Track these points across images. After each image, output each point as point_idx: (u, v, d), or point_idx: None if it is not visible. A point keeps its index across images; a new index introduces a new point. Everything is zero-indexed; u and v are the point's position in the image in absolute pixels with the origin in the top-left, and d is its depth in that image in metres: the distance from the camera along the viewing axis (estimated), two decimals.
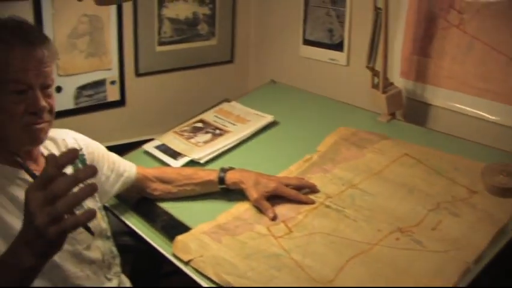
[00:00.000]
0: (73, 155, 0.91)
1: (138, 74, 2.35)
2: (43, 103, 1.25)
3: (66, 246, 1.29)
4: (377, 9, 1.79)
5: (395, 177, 1.62)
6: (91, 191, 0.89)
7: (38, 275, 1.07)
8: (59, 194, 0.88)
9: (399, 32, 1.97)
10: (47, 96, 1.28)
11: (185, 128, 2.04)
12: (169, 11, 2.36)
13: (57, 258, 1.26)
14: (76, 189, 0.90)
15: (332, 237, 1.42)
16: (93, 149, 1.56)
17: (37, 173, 1.30)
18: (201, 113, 2.15)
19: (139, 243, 1.62)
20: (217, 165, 1.79)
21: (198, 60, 2.51)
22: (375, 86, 1.92)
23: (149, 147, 1.97)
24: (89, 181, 0.89)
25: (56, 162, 0.89)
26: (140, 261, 1.82)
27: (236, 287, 1.28)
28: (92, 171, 0.90)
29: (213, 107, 2.18)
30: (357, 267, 1.31)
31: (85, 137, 1.57)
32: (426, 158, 1.67)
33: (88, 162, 1.51)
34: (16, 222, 1.21)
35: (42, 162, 1.37)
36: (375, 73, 1.89)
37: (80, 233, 1.36)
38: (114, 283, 1.45)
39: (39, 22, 2.02)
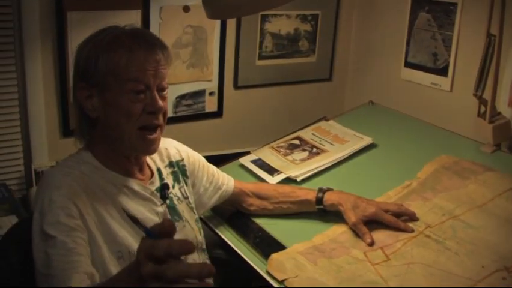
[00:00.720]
0: (187, 249, 0.85)
1: (237, 87, 2.39)
2: (161, 103, 1.28)
3: None
4: (489, 36, 1.73)
5: (500, 212, 1.56)
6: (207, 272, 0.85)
7: None
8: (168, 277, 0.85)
9: (509, 60, 1.90)
10: (162, 98, 1.31)
11: (282, 144, 2.05)
12: (272, 26, 2.40)
13: None
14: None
15: (432, 269, 1.38)
16: (194, 159, 1.58)
17: (141, 186, 1.34)
18: (298, 130, 2.15)
19: (231, 257, 1.62)
20: (312, 185, 1.79)
21: (296, 76, 2.54)
22: (481, 115, 1.85)
23: (245, 160, 1.99)
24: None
25: (169, 249, 0.85)
26: (230, 275, 1.82)
27: None
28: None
29: (310, 124, 2.18)
30: None
31: (187, 147, 1.60)
32: None
33: (188, 173, 1.54)
34: (118, 229, 1.26)
35: (147, 171, 1.41)
36: (482, 101, 1.83)
37: None
38: None
39: None
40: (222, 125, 2.40)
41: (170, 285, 0.85)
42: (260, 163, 1.95)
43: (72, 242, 1.15)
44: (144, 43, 1.27)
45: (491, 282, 1.32)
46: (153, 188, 1.39)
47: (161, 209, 1.37)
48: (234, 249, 1.59)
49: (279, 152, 2.00)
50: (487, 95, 1.81)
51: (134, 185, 1.33)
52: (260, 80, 2.45)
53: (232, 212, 1.71)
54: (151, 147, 1.33)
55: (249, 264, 1.51)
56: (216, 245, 1.70)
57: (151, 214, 1.34)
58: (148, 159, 1.43)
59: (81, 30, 2.02)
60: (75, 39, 2.03)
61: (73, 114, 2.09)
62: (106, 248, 1.22)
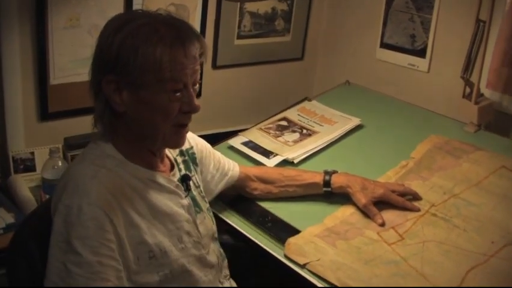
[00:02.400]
0: None
1: (215, 67, 2.36)
2: (197, 103, 1.24)
3: (193, 251, 1.31)
4: (478, 22, 1.81)
5: (496, 189, 1.65)
6: None
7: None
8: None
9: (490, 45, 2.00)
10: (194, 92, 1.25)
11: (270, 126, 2.06)
12: (251, 5, 2.37)
13: (186, 263, 1.27)
14: None
15: (446, 246, 1.45)
16: (202, 146, 1.55)
17: (166, 179, 1.29)
18: (282, 111, 2.16)
19: (238, 243, 1.62)
20: (308, 166, 1.82)
21: (272, 55, 2.54)
22: (466, 96, 1.95)
23: (235, 142, 1.97)
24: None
25: None
26: (238, 261, 1.82)
27: None
28: None
29: (294, 104, 2.19)
30: (479, 278, 1.34)
31: (193, 134, 1.54)
32: None
33: (197, 160, 1.50)
34: (147, 226, 1.21)
35: (167, 162, 1.37)
36: (468, 84, 1.92)
37: (204, 237, 1.38)
38: (226, 286, 1.45)
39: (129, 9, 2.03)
40: (201, 104, 2.37)
41: None
42: (252, 145, 1.94)
43: (98, 264, 1.09)
44: (184, 37, 1.19)
45: (503, 255, 1.41)
46: (175, 179, 1.34)
47: (186, 201, 1.33)
48: (243, 234, 1.58)
49: (269, 133, 2.01)
50: (474, 78, 1.89)
51: (160, 178, 1.28)
52: (238, 60, 2.43)
53: (234, 196, 1.69)
54: (182, 141, 1.29)
55: (262, 249, 1.51)
56: (220, 230, 1.69)
57: (178, 208, 1.30)
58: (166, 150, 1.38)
59: (62, 8, 1.91)
60: (56, 19, 1.92)
61: (54, 97, 2.04)
62: (132, 252, 1.17)
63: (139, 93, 1.18)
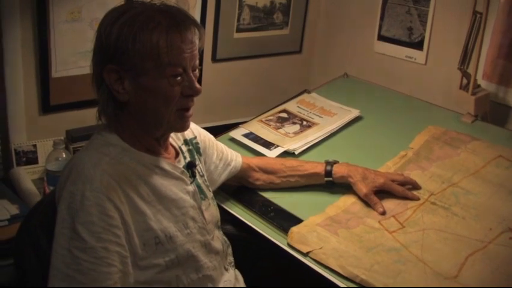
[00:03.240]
0: None
1: (215, 60, 2.38)
2: (198, 85, 1.26)
3: (198, 237, 1.33)
4: (475, 13, 1.84)
5: (493, 178, 1.69)
6: None
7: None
8: None
9: (486, 37, 2.02)
10: (195, 77, 1.28)
11: (271, 118, 2.08)
12: None
13: (192, 248, 1.30)
14: None
15: (445, 234, 1.48)
16: (205, 136, 1.57)
17: (171, 165, 1.32)
18: (282, 103, 2.18)
19: (240, 232, 1.63)
20: (309, 157, 1.85)
21: (271, 48, 2.56)
22: (463, 88, 1.98)
23: (236, 134, 2.00)
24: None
25: None
26: (240, 250, 1.84)
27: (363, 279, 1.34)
28: None
29: (294, 97, 2.22)
30: (477, 264, 1.37)
31: (196, 124, 1.57)
32: None
33: (201, 150, 1.52)
34: (152, 212, 1.23)
35: (172, 150, 1.39)
36: (465, 75, 1.95)
37: (209, 223, 1.40)
38: (231, 273, 1.47)
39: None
40: (201, 98, 2.38)
41: None
42: (253, 137, 1.97)
43: (103, 249, 1.11)
44: (180, 23, 1.22)
45: (500, 242, 1.44)
46: (181, 166, 1.37)
47: (191, 187, 1.36)
48: (246, 224, 1.60)
49: (269, 125, 2.03)
50: (471, 69, 1.92)
51: (165, 164, 1.31)
52: (237, 53, 2.45)
53: (237, 187, 1.71)
54: (187, 124, 1.32)
55: (265, 238, 1.54)
56: (223, 220, 1.71)
57: (183, 194, 1.32)
58: (170, 138, 1.40)
59: (63, 2, 1.93)
60: (57, 12, 1.93)
61: (56, 90, 2.05)
62: (138, 238, 1.19)
63: (140, 81, 1.21)
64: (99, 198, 1.13)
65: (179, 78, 1.23)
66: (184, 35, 1.22)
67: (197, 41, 1.27)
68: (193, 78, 1.26)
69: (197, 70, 1.29)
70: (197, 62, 1.28)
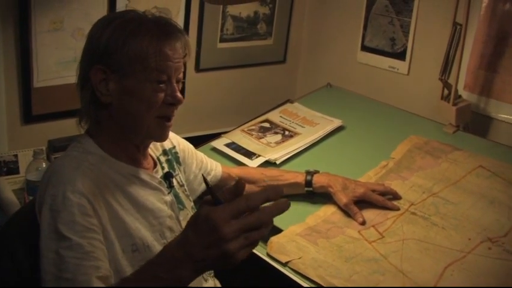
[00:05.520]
0: (280, 192, 0.98)
1: (198, 70, 2.38)
2: (180, 95, 1.28)
3: None
4: (455, 25, 1.85)
5: (473, 188, 1.69)
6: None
7: None
8: (254, 227, 0.94)
9: (466, 47, 2.04)
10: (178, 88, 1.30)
11: (253, 127, 2.08)
12: (233, 9, 2.40)
13: None
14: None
15: (425, 244, 1.48)
16: (184, 146, 1.58)
17: (149, 175, 1.33)
18: (265, 113, 2.19)
19: None
20: (290, 167, 1.85)
21: (254, 59, 2.57)
22: (444, 98, 1.99)
23: (218, 144, 2.00)
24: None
25: (248, 203, 0.95)
26: None
27: None
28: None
29: (276, 107, 2.22)
30: (456, 274, 1.37)
31: (175, 134, 1.58)
32: (502, 170, 1.75)
33: (180, 160, 1.53)
34: (131, 220, 1.24)
35: (150, 160, 1.39)
36: (447, 86, 1.96)
37: None
38: (210, 283, 1.47)
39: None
40: (184, 107, 2.39)
41: (254, 237, 0.95)
42: (235, 147, 1.97)
43: (89, 244, 1.11)
44: (171, 32, 1.26)
45: (479, 252, 1.44)
46: (158, 177, 1.37)
47: (168, 198, 1.36)
48: None
49: (251, 135, 2.03)
50: (452, 80, 1.94)
51: (143, 174, 1.31)
52: (221, 63, 2.46)
53: None
54: (166, 134, 1.32)
55: None
56: None
57: (160, 204, 1.33)
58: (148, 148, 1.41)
59: (46, 11, 1.92)
60: (39, 22, 1.93)
61: (38, 100, 2.04)
62: (118, 243, 1.20)
63: (125, 83, 1.24)
64: (80, 199, 1.14)
65: (162, 85, 1.25)
66: (173, 44, 1.26)
67: (184, 54, 1.30)
68: (176, 88, 1.28)
69: (180, 83, 1.31)
70: (181, 75, 1.30)
